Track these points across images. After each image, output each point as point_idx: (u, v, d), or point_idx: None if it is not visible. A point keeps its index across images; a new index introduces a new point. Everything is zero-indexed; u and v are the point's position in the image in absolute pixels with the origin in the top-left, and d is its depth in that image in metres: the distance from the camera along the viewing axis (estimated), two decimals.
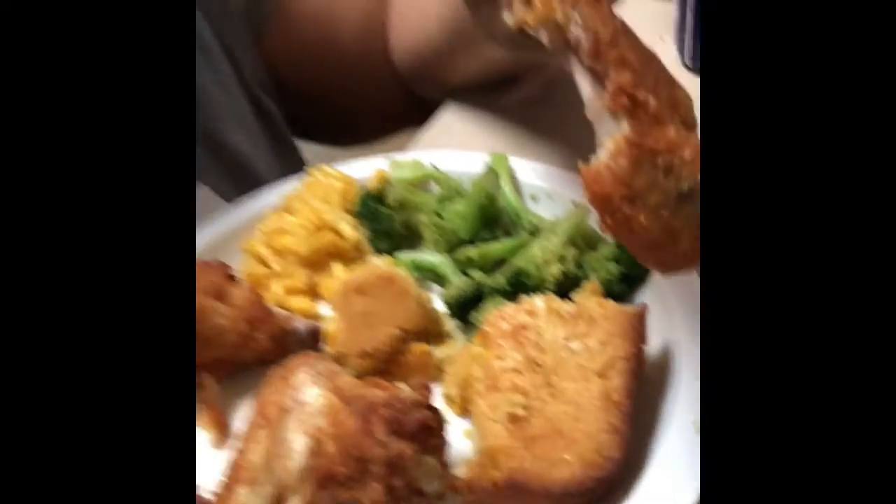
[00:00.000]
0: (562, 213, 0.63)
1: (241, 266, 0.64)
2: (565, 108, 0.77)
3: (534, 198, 0.66)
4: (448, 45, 0.78)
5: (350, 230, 0.63)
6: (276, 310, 0.57)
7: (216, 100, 0.78)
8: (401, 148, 0.77)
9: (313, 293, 0.62)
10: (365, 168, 0.70)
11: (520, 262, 0.58)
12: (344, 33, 0.88)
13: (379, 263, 0.61)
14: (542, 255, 0.58)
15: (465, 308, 0.58)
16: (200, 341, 0.53)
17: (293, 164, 0.88)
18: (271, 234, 0.63)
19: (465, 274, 0.60)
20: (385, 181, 0.65)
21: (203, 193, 0.73)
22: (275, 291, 0.61)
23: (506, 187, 0.64)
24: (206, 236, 0.66)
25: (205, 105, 0.75)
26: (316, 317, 0.60)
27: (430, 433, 0.44)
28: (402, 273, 0.56)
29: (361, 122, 0.97)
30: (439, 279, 0.61)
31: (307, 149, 0.94)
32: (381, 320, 0.55)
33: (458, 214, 0.62)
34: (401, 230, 0.64)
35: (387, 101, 0.93)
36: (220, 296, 0.54)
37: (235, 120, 0.80)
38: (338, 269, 0.62)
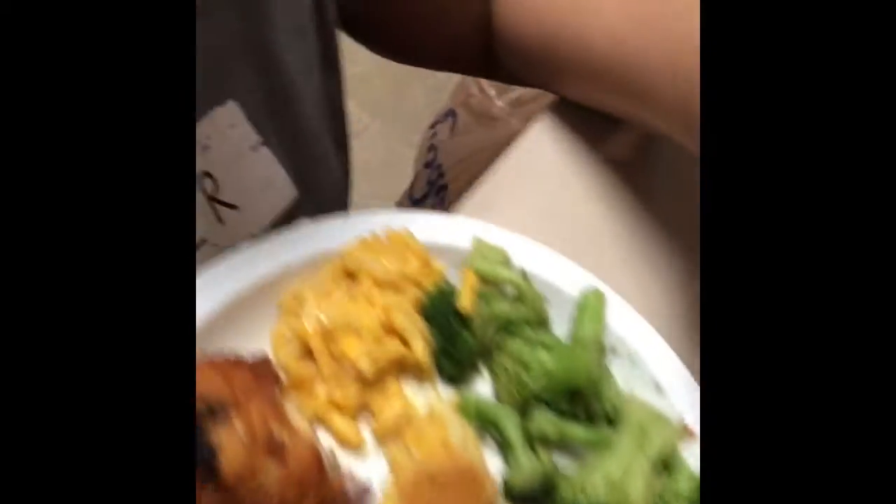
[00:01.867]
0: (639, 388, 0.56)
1: (271, 340, 0.53)
2: (658, 176, 0.69)
3: (614, 351, 0.58)
4: (588, 72, 0.65)
5: (422, 348, 0.53)
6: (330, 466, 0.47)
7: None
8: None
9: (360, 411, 0.53)
10: (438, 231, 0.58)
11: (594, 475, 0.51)
12: None
13: (440, 405, 0.52)
14: (621, 475, 0.51)
15: (528, 501, 0.52)
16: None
17: (339, 112, 0.71)
18: (334, 328, 0.51)
19: (532, 448, 0.53)
20: (476, 294, 0.54)
21: (230, 108, 0.57)
22: (317, 401, 0.51)
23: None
24: (233, 279, 0.53)
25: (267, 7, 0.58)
26: (359, 445, 0.51)
27: None
28: (484, 471, 0.48)
29: (429, 45, 0.80)
30: (501, 438, 0.54)
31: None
32: None
33: (546, 372, 0.54)
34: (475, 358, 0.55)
35: (466, 48, 0.78)
36: (274, 450, 0.44)
37: (290, 28, 0.61)
38: (394, 391, 0.53)
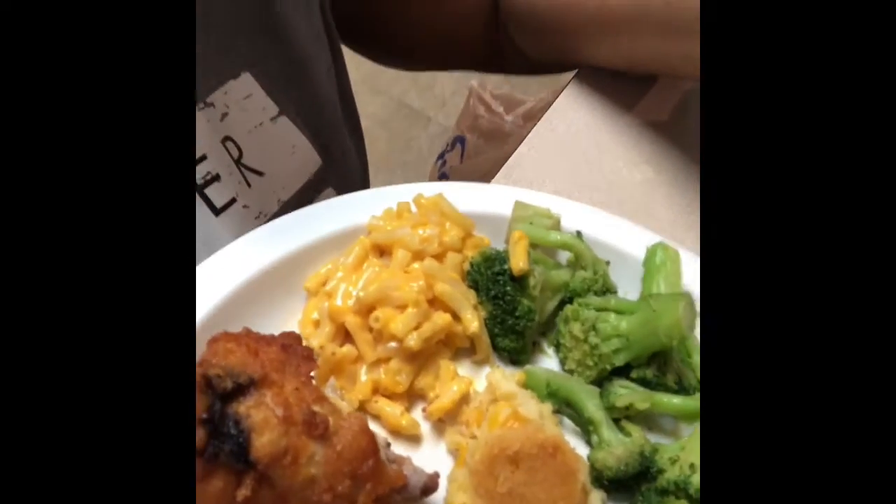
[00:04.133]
0: None
1: (300, 325, 0.46)
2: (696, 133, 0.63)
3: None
4: (617, 20, 0.60)
5: (475, 321, 0.45)
6: (386, 455, 0.39)
7: None
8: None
9: (410, 395, 0.45)
10: (475, 197, 0.51)
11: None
12: None
13: (505, 382, 0.44)
14: None
15: (621, 484, 0.43)
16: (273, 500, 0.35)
17: (346, 88, 0.69)
18: (368, 300, 0.44)
19: (618, 427, 0.44)
20: (529, 258, 0.47)
21: (245, 80, 0.57)
22: (361, 387, 0.43)
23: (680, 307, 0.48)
24: (255, 259, 0.46)
25: None
26: (414, 432, 0.43)
27: None
28: (568, 446, 0.40)
29: (424, 45, 0.76)
30: (580, 416, 0.45)
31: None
32: None
33: (622, 334, 0.46)
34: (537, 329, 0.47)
35: (465, 35, 0.74)
36: (317, 431, 0.36)
37: (298, 4, 0.60)
38: (447, 369, 0.45)
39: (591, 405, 0.45)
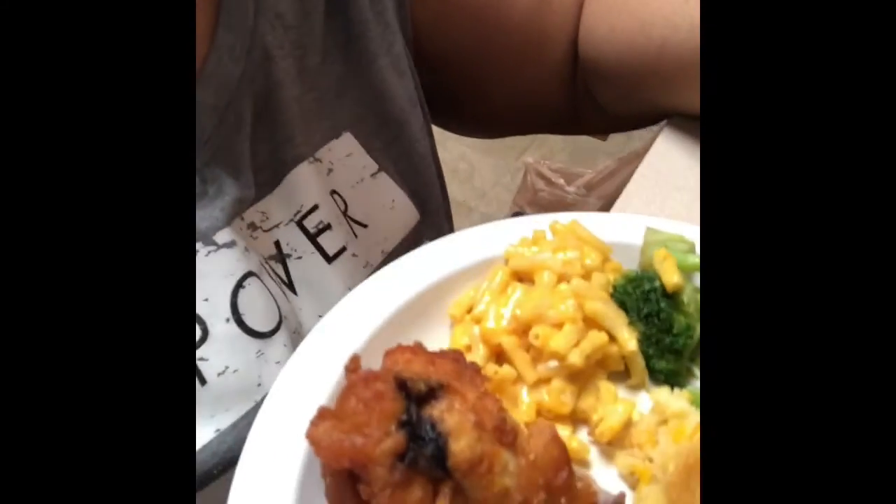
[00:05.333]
0: None
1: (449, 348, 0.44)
2: None
3: None
4: (684, 58, 0.60)
5: (632, 339, 0.43)
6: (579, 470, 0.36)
7: (375, 36, 0.61)
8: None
9: (574, 418, 0.42)
10: (605, 226, 0.50)
11: None
12: (517, 3, 0.68)
13: (674, 400, 0.41)
14: None
15: None
16: None
17: (433, 148, 0.70)
18: (524, 319, 0.42)
19: None
20: (680, 276, 0.45)
21: (346, 139, 0.59)
22: (526, 409, 0.41)
23: None
24: (395, 292, 0.45)
25: (363, 41, 0.60)
26: (584, 461, 0.41)
27: None
28: None
29: (501, 111, 0.77)
30: None
31: None
32: None
33: None
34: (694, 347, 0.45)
35: (543, 97, 0.74)
36: (507, 440, 0.34)
37: (392, 67, 0.62)
38: (608, 390, 0.43)
39: None
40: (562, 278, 0.45)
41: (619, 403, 0.42)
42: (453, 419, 0.33)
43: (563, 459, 0.35)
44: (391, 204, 0.62)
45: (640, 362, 0.44)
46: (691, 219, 0.59)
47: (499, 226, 0.50)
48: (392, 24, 0.62)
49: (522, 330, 0.42)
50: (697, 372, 0.47)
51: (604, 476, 0.41)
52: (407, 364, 0.35)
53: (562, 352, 0.41)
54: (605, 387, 0.43)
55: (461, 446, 0.32)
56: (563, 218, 0.49)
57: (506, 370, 0.41)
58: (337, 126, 0.58)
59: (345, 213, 0.59)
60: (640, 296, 0.45)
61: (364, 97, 0.60)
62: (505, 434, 0.34)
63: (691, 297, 0.45)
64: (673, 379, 0.45)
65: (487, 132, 0.87)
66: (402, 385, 0.33)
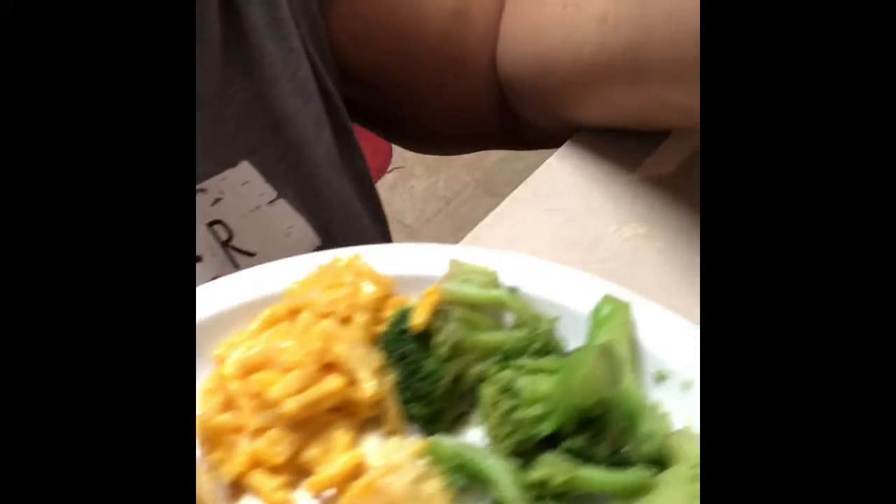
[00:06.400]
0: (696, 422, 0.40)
1: (201, 395, 0.43)
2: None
3: (661, 378, 0.43)
4: (589, 73, 0.55)
5: (371, 385, 0.41)
6: None
7: (277, 62, 0.60)
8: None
9: (295, 468, 0.40)
10: (408, 260, 0.47)
11: None
12: (431, 20, 0.65)
13: (396, 453, 0.38)
14: None
15: None
16: None
17: (355, 160, 0.69)
18: (251, 363, 0.41)
19: None
20: (439, 313, 0.42)
21: (243, 168, 0.59)
22: (239, 458, 0.40)
23: (626, 364, 0.41)
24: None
25: (265, 67, 0.59)
26: None
27: None
28: None
29: (434, 127, 0.75)
30: (495, 495, 0.39)
31: None
32: None
33: (540, 397, 0.39)
34: (447, 391, 0.42)
35: (472, 113, 0.71)
36: None
37: (296, 93, 0.62)
38: (340, 439, 0.40)
39: (504, 482, 0.38)
40: (321, 316, 0.43)
41: (345, 452, 0.40)
42: None
43: None
44: (287, 231, 0.62)
45: (389, 408, 0.41)
46: (555, 243, 0.55)
47: (302, 260, 0.49)
48: (297, 50, 0.62)
49: (250, 374, 0.41)
50: (473, 418, 0.43)
51: None
52: None
53: (277, 399, 0.39)
54: (340, 436, 0.40)
55: None
56: (346, 253, 0.47)
57: (224, 417, 0.40)
58: (234, 155, 0.58)
59: (225, 243, 0.59)
60: (394, 337, 0.42)
61: (267, 122, 0.60)
62: None
63: (448, 338, 0.42)
64: (430, 426, 0.42)
65: (430, 148, 0.85)
66: None
